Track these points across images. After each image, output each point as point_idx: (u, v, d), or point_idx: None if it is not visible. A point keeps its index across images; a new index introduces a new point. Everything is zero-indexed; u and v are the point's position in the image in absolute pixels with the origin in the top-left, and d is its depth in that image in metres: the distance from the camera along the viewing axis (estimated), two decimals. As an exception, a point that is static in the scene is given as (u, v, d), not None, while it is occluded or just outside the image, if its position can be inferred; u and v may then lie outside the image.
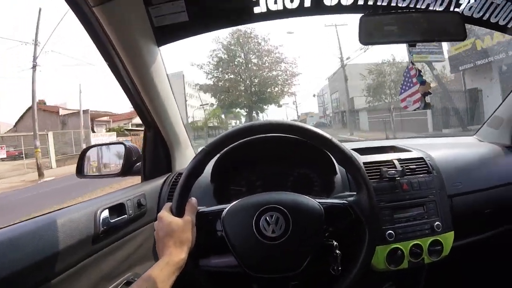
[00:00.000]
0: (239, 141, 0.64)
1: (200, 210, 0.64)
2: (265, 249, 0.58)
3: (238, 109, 22.94)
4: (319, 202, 0.62)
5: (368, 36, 0.80)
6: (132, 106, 0.90)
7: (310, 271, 0.61)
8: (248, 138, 0.69)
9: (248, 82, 20.68)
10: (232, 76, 20.91)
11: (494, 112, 1.23)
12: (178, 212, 0.61)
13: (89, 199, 0.77)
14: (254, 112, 21.39)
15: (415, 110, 0.96)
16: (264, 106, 21.83)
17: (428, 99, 0.94)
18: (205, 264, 0.75)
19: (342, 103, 21.63)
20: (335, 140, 0.63)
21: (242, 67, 20.91)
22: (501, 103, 1.20)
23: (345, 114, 20.33)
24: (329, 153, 0.67)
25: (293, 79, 21.03)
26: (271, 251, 0.58)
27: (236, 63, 20.88)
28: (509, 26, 0.91)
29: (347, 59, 16.61)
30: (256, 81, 20.64)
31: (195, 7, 0.77)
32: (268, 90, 20.79)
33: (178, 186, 0.62)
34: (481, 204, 0.97)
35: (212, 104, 22.13)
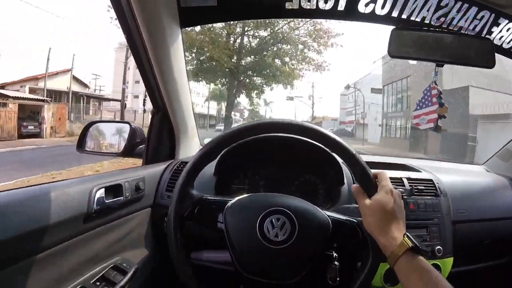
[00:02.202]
0: (256, 136, 0.61)
1: (205, 197, 0.61)
2: (265, 252, 0.55)
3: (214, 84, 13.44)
4: (328, 216, 0.60)
5: (397, 49, 0.78)
6: (145, 87, 0.87)
7: (306, 280, 0.58)
8: (264, 135, 0.66)
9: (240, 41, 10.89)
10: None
11: (506, 145, 1.23)
12: (187, 186, 0.59)
13: (86, 176, 0.74)
14: (237, 93, 11.72)
15: (426, 129, 0.94)
16: (256, 80, 11.43)
17: (440, 122, 0.92)
18: (197, 258, 0.73)
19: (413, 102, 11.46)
20: (358, 155, 0.59)
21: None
22: None
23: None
24: (348, 168, 0.65)
25: (319, 59, 10.45)
26: (271, 255, 0.55)
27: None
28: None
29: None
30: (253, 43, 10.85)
31: (227, -8, 0.74)
32: (271, 60, 10.44)
33: (187, 166, 0.59)
34: (483, 234, 0.97)
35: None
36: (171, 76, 0.85)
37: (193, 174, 0.60)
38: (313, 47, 10.36)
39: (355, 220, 0.60)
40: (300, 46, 10.37)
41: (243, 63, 11.12)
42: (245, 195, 0.62)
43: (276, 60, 10.62)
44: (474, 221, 0.94)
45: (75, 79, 18.36)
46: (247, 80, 11.46)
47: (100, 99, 21.30)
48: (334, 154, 0.69)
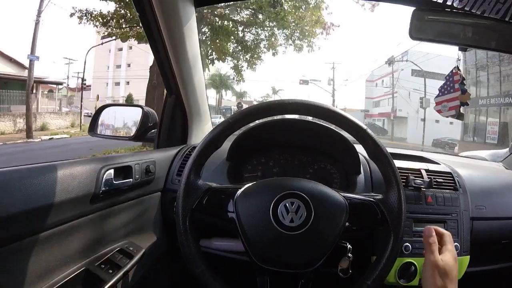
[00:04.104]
0: (263, 120, 0.59)
1: (213, 186, 0.59)
2: (281, 239, 0.52)
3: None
4: (344, 197, 0.57)
5: (418, 31, 0.75)
6: (158, 68, 0.87)
7: (316, 271, 0.55)
8: (272, 119, 0.64)
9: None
10: None
11: (525, 142, 1.18)
12: (193, 178, 0.57)
13: (97, 157, 0.73)
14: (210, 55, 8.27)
15: (447, 117, 0.91)
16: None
17: (462, 109, 0.89)
18: (206, 246, 0.71)
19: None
20: (369, 130, 0.58)
21: None
22: None
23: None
24: (361, 145, 0.62)
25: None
26: (286, 242, 0.52)
27: None
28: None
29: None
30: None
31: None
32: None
33: (192, 156, 0.57)
34: (502, 232, 0.93)
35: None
36: (185, 57, 0.84)
37: (199, 163, 0.58)
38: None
39: (373, 200, 0.57)
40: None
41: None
42: (255, 182, 0.59)
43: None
44: (493, 219, 0.90)
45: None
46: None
47: (38, 82, 13.15)
48: (352, 142, 0.66)
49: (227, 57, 8.34)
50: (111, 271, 0.62)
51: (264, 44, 8.37)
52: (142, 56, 20.34)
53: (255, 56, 8.42)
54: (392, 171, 0.57)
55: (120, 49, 27.31)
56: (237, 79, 8.92)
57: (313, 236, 0.53)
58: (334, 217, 0.54)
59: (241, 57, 8.51)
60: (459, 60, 0.86)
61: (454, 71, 0.88)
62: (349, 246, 0.58)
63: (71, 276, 0.57)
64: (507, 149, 1.26)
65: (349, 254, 0.58)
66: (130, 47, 24.90)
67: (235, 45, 8.43)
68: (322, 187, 0.58)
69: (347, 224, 0.55)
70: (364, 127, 0.58)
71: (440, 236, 0.58)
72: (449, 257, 0.54)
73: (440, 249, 0.56)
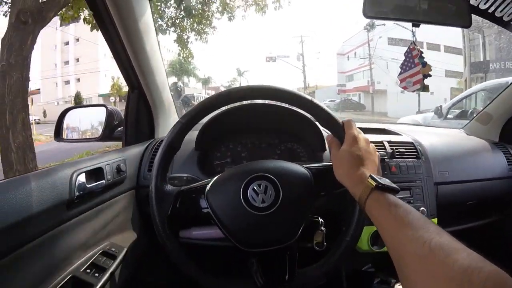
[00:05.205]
0: (220, 110, 0.60)
1: (182, 188, 0.60)
2: (257, 221, 0.54)
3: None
4: (306, 167, 0.60)
5: (372, 9, 0.77)
6: (117, 64, 0.83)
7: (293, 247, 0.58)
8: (230, 107, 0.64)
9: None
10: None
11: (484, 108, 1.26)
12: (160, 186, 0.57)
13: (66, 162, 0.72)
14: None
15: (413, 91, 0.95)
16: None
17: (426, 81, 0.92)
18: (186, 236, 0.72)
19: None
20: (315, 100, 0.59)
21: None
22: (492, 100, 1.23)
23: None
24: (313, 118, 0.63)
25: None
26: (263, 222, 0.54)
27: None
28: (512, 23, 0.90)
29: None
30: None
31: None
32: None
33: (156, 162, 0.58)
34: (466, 194, 1.00)
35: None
36: (142, 49, 0.81)
37: (164, 169, 0.58)
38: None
39: (332, 163, 0.59)
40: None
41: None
42: (223, 173, 0.60)
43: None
44: (456, 183, 0.97)
45: None
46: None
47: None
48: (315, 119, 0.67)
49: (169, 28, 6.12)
50: (97, 275, 0.63)
51: (216, 6, 6.14)
52: (91, 47, 18.62)
53: (204, 22, 6.23)
54: (341, 130, 0.58)
55: (67, 43, 24.80)
56: (184, 54, 6.88)
57: (286, 211, 0.55)
58: (302, 188, 0.57)
59: (186, 25, 6.33)
60: (414, 35, 0.89)
61: (411, 47, 0.91)
62: (321, 220, 0.61)
63: (59, 286, 0.57)
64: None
65: (322, 228, 0.61)
66: (77, 39, 22.79)
67: (176, 10, 6.15)
68: (284, 163, 0.60)
69: (315, 192, 0.58)
70: (310, 98, 0.59)
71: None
72: (347, 142, 0.55)
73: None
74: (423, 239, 0.35)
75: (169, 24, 6.07)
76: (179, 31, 6.20)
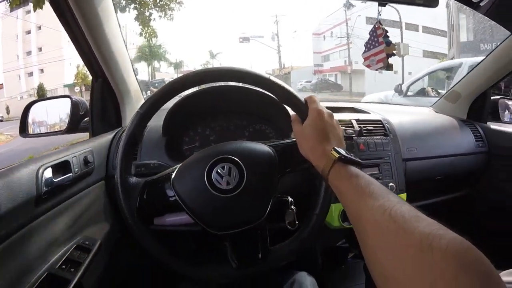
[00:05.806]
0: (185, 94, 0.59)
1: (148, 179, 0.59)
2: (224, 203, 0.54)
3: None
4: (269, 145, 0.60)
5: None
6: (78, 53, 0.79)
7: (270, 227, 0.59)
8: (193, 91, 0.63)
9: None
10: None
11: (453, 87, 1.30)
12: (126, 179, 0.56)
13: (31, 159, 0.69)
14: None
15: (377, 70, 0.96)
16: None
17: (391, 60, 0.94)
18: (160, 223, 0.72)
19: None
20: (274, 78, 0.59)
21: None
22: (461, 79, 1.27)
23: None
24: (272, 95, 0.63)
25: None
26: (230, 204, 0.54)
27: None
28: (481, 4, 0.91)
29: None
30: None
31: None
32: None
33: (118, 157, 0.57)
34: (434, 170, 1.04)
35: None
36: (103, 35, 0.78)
37: (127, 161, 0.58)
38: None
39: (294, 139, 0.60)
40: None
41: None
42: (185, 160, 0.60)
43: None
44: (425, 158, 1.00)
45: None
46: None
47: None
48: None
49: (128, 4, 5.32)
50: (73, 269, 0.62)
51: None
52: (54, 34, 17.29)
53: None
54: (304, 106, 0.59)
55: (28, 32, 23.15)
56: (146, 34, 6.23)
57: (252, 191, 0.55)
58: (266, 167, 0.57)
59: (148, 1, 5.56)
60: (380, 14, 0.90)
61: (376, 26, 0.92)
62: (290, 199, 0.61)
63: (36, 285, 0.55)
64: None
65: (292, 207, 0.61)
66: (39, 27, 21.45)
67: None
68: (247, 143, 0.60)
69: (281, 169, 0.58)
70: (267, 76, 0.59)
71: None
72: (310, 117, 0.55)
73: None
74: (384, 207, 0.35)
75: (129, 0, 5.50)
76: (139, 7, 5.62)
